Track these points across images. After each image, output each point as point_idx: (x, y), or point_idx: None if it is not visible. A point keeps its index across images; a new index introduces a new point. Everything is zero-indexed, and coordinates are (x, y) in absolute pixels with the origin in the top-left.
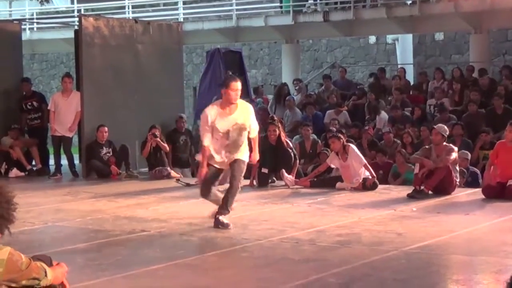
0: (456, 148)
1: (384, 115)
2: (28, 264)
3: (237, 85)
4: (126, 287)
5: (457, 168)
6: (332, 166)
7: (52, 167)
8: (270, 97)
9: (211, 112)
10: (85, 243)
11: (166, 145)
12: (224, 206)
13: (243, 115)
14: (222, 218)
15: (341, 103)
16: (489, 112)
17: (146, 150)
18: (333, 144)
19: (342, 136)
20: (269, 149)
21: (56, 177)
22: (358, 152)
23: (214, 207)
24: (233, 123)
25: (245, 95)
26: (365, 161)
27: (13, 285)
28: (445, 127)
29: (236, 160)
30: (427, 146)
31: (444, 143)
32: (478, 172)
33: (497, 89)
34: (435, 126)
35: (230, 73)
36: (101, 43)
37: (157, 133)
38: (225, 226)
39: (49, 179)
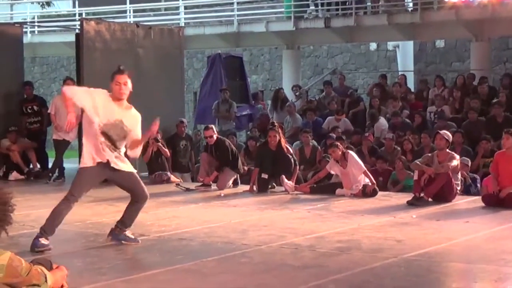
0: (458, 156)
1: (381, 122)
2: (29, 270)
3: (123, 78)
4: None
5: (458, 176)
6: (332, 172)
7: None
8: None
9: (100, 93)
10: (85, 247)
11: (167, 150)
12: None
13: (131, 121)
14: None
15: (339, 110)
16: (489, 120)
17: (148, 154)
18: (333, 154)
19: (340, 144)
20: (269, 155)
21: (60, 181)
22: (358, 159)
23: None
24: (118, 119)
25: (245, 100)
26: (364, 168)
27: None
28: (449, 133)
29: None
30: (429, 154)
31: (447, 150)
32: (478, 179)
33: (498, 97)
34: (439, 131)
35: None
36: (102, 47)
37: (159, 137)
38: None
39: (53, 182)
